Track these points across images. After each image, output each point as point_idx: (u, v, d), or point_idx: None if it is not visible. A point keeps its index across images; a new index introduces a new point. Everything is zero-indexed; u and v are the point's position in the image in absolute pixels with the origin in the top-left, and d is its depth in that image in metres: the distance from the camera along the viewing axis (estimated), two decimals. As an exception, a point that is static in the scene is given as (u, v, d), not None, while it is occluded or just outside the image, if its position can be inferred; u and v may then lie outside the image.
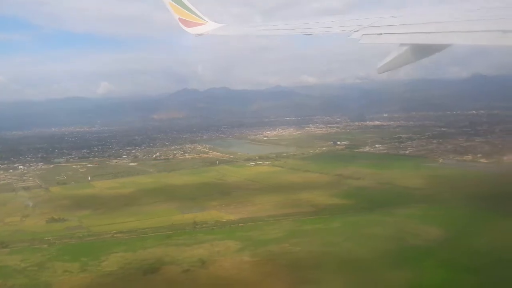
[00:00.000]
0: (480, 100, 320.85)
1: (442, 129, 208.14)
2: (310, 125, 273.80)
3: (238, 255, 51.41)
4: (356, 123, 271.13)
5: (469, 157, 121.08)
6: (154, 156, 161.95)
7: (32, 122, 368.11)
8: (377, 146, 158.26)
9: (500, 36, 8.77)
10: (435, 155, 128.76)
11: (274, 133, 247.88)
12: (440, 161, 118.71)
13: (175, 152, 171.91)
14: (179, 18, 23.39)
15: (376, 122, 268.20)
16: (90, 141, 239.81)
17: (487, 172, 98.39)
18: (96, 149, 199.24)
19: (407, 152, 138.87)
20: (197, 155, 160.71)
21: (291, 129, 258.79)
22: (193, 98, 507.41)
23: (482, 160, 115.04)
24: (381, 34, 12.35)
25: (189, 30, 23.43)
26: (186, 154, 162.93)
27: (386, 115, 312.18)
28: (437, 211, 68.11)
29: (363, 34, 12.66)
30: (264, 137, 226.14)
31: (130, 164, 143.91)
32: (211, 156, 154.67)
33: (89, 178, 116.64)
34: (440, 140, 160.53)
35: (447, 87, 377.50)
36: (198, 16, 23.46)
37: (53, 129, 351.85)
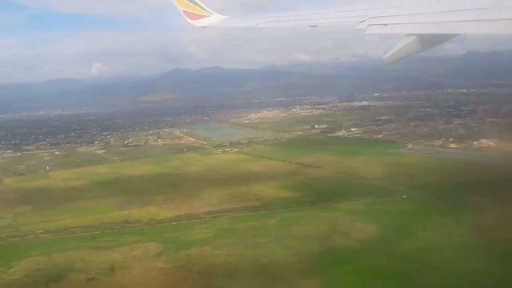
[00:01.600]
0: (473, 78, 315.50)
1: (427, 109, 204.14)
2: (297, 106, 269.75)
3: (152, 260, 48.87)
4: (344, 103, 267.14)
5: (440, 141, 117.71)
6: (126, 142, 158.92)
7: (22, 105, 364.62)
8: (352, 130, 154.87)
9: (508, 25, 8.60)
10: (406, 139, 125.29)
11: (259, 115, 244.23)
12: (409, 146, 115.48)
13: (149, 137, 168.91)
14: (184, 11, 23.36)
15: (364, 103, 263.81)
16: (71, 125, 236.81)
17: (451, 159, 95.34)
18: (73, 134, 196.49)
19: (380, 136, 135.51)
20: (170, 140, 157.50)
21: (277, 111, 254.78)
22: (185, 78, 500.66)
23: (452, 146, 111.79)
24: (387, 24, 12.11)
25: (194, 22, 23.35)
26: (159, 140, 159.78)
27: (377, 94, 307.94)
28: (382, 205, 65.35)
29: (369, 25, 12.49)
30: (247, 120, 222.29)
31: (98, 151, 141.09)
32: (183, 142, 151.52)
33: (48, 168, 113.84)
34: (419, 123, 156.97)
35: (442, 65, 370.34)
36: (203, 8, 23.36)
37: (41, 112, 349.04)
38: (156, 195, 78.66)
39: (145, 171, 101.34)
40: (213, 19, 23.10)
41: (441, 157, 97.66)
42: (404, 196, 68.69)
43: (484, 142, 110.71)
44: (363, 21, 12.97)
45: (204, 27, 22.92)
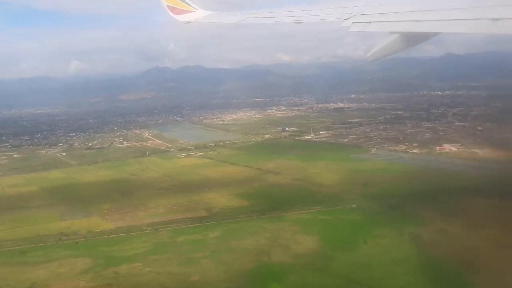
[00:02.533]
0: (449, 80, 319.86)
1: (398, 112, 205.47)
2: (274, 107, 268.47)
3: (77, 278, 46.33)
4: (320, 105, 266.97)
5: (404, 146, 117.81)
6: (90, 144, 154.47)
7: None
8: (321, 133, 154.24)
9: (489, 24, 8.76)
10: (371, 144, 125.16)
11: (234, 116, 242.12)
12: (372, 151, 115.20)
13: (116, 139, 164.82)
14: (168, 6, 22.76)
15: (340, 104, 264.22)
16: (40, 125, 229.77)
17: (410, 165, 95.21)
18: (39, 135, 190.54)
19: (346, 140, 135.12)
20: (136, 143, 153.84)
21: (253, 112, 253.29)
22: (164, 77, 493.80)
23: (415, 151, 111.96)
24: (370, 22, 12.18)
25: (178, 17, 22.96)
26: (124, 142, 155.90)
27: (353, 96, 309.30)
28: (329, 215, 64.18)
29: (353, 22, 12.52)
30: (220, 121, 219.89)
31: (59, 154, 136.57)
32: (149, 144, 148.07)
33: (0, 173, 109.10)
34: (388, 126, 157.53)
35: (420, 66, 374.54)
36: (187, 3, 22.91)
37: (13, 111, 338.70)
38: (103, 203, 75.69)
39: (99, 177, 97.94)
40: (198, 14, 22.67)
41: (400, 163, 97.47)
42: (353, 206, 67.71)
43: (447, 147, 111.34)
44: (348, 18, 12.91)
45: (188, 22, 22.51)
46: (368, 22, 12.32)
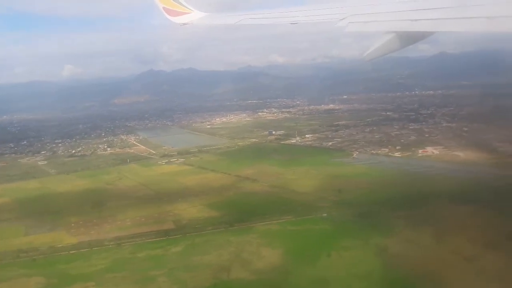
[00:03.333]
0: (442, 79, 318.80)
1: (388, 113, 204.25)
2: (265, 110, 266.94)
3: (25, 300, 44.46)
4: (311, 106, 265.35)
5: (387, 150, 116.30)
6: (73, 151, 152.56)
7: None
8: (307, 136, 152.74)
9: (484, 23, 8.77)
10: (355, 147, 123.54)
11: (224, 119, 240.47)
12: (354, 155, 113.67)
13: (100, 145, 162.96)
14: (164, 8, 22.56)
15: (331, 106, 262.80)
16: (28, 132, 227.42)
17: (389, 170, 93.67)
18: (24, 142, 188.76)
19: (330, 144, 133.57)
20: (120, 149, 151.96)
21: (244, 115, 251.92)
22: (158, 80, 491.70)
23: (397, 154, 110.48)
24: (367, 22, 12.51)
25: (174, 19, 22.84)
26: (108, 149, 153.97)
27: (346, 96, 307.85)
28: (298, 226, 62.62)
29: (349, 22, 12.60)
30: (209, 125, 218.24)
31: (40, 162, 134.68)
32: (132, 151, 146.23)
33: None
34: (374, 128, 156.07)
35: (414, 65, 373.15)
36: (183, 5, 22.73)
37: (4, 116, 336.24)
38: (72, 216, 73.91)
39: (74, 187, 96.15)
40: (193, 16, 22.56)
41: (379, 168, 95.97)
42: (324, 215, 66.13)
43: (429, 150, 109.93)
44: (344, 18, 12.81)
45: (185, 24, 22.40)
46: (364, 22, 12.39)
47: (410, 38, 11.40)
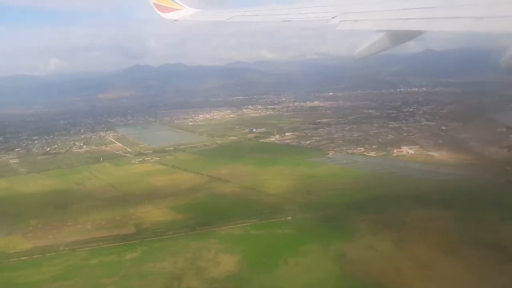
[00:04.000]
0: (427, 76, 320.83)
1: (370, 111, 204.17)
2: (250, 106, 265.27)
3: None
4: (296, 103, 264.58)
5: (362, 149, 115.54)
6: (48, 149, 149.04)
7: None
8: (287, 134, 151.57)
9: (472, 23, 8.88)
10: (332, 146, 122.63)
11: (207, 116, 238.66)
12: (330, 154, 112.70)
13: (77, 143, 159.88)
14: (154, 3, 22.39)
15: (316, 103, 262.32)
16: (6, 128, 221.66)
17: (361, 170, 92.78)
18: (0, 138, 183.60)
19: (308, 142, 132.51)
20: (95, 147, 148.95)
21: (228, 111, 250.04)
22: (145, 75, 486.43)
23: (371, 154, 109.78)
24: (357, 20, 12.38)
25: (165, 15, 22.51)
26: (84, 147, 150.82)
27: (331, 93, 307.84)
28: (261, 230, 61.33)
29: (340, 21, 12.67)
30: (192, 122, 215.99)
31: (12, 161, 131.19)
32: (108, 149, 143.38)
33: None
34: (354, 126, 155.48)
35: (401, 63, 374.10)
36: (174, 1, 22.57)
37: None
38: (32, 219, 71.48)
39: (41, 187, 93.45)
40: (185, 12, 22.37)
41: (353, 168, 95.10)
42: (289, 218, 64.85)
43: (404, 149, 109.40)
44: (335, 16, 12.85)
45: (175, 20, 22.14)
46: (355, 21, 12.26)
47: (400, 37, 11.41)
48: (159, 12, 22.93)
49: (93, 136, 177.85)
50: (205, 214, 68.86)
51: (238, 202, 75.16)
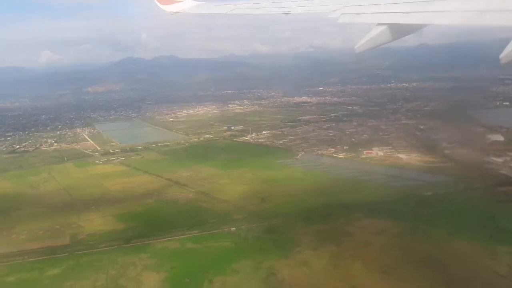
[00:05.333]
0: (419, 71, 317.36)
1: (354, 107, 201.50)
2: (237, 101, 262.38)
3: None
4: (284, 99, 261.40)
5: (332, 150, 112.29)
6: (17, 147, 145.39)
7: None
8: (264, 133, 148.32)
9: (476, 16, 8.92)
10: (304, 146, 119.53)
11: (191, 111, 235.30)
12: (299, 156, 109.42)
13: (49, 140, 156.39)
14: None
15: (303, 98, 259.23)
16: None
17: (325, 174, 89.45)
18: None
19: (281, 142, 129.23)
20: (66, 145, 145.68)
21: (213, 107, 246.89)
22: (137, 68, 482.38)
23: (341, 155, 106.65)
24: (359, 13, 12.43)
25: (165, 7, 22.58)
26: (55, 144, 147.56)
27: (321, 88, 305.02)
28: (199, 243, 58.04)
29: (341, 14, 12.66)
30: (173, 117, 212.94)
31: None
32: (78, 147, 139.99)
33: None
34: (332, 125, 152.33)
35: (394, 57, 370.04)
36: None
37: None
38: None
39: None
40: (185, 4, 22.36)
41: (317, 171, 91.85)
42: (232, 229, 61.62)
43: (374, 151, 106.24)
44: (336, 9, 12.97)
45: (176, 12, 22.13)
46: (356, 14, 12.28)
47: (401, 31, 11.32)
48: (159, 4, 22.92)
49: (69, 133, 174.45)
50: (147, 224, 65.66)
51: (186, 210, 71.90)
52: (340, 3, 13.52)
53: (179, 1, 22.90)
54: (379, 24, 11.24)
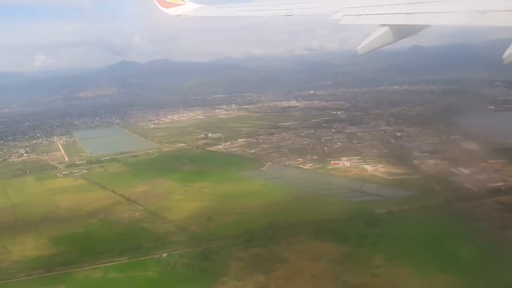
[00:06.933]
0: (412, 73, 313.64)
1: (338, 113, 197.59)
2: (224, 106, 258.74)
3: None
4: (272, 103, 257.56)
5: (300, 160, 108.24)
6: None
7: None
8: (239, 141, 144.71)
9: (477, 17, 9.06)
10: (273, 156, 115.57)
11: (175, 117, 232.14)
12: (265, 167, 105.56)
13: (21, 150, 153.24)
14: None
15: (292, 102, 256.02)
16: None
17: (285, 188, 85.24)
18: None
19: (253, 151, 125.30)
20: (35, 156, 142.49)
21: (199, 112, 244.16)
22: (130, 72, 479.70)
23: (307, 166, 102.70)
24: (361, 15, 12.57)
25: (167, 11, 22.92)
26: (25, 155, 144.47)
27: (312, 92, 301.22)
28: (125, 271, 54.34)
29: (343, 15, 12.84)
30: (154, 124, 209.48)
31: None
32: (46, 158, 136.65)
33: None
34: (311, 132, 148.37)
35: (388, 59, 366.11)
36: None
37: None
38: None
39: None
40: (187, 7, 22.48)
41: (277, 185, 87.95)
42: (164, 255, 57.78)
43: (342, 162, 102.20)
44: (338, 11, 13.08)
45: (178, 15, 22.23)
46: (358, 15, 12.45)
47: (403, 32, 11.33)
48: (162, 8, 22.83)
49: (44, 142, 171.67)
50: (79, 249, 61.98)
51: (126, 232, 68.13)
52: (342, 4, 13.55)
53: (181, 4, 22.81)
54: (381, 26, 11.20)
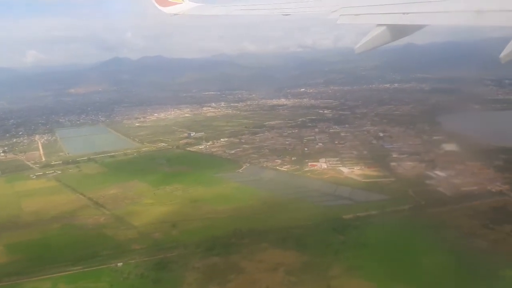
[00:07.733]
0: (403, 71, 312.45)
1: (325, 111, 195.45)
2: (213, 104, 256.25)
3: None
4: (262, 101, 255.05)
5: (279, 161, 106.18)
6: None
7: None
8: (221, 140, 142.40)
9: (474, 16, 9.09)
10: (252, 157, 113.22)
11: (162, 115, 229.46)
12: (242, 168, 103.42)
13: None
14: None
15: (282, 100, 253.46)
16: None
17: (258, 192, 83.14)
18: None
19: (233, 152, 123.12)
20: (12, 155, 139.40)
21: (187, 110, 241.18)
22: (122, 68, 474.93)
23: (284, 168, 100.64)
24: (358, 14, 12.51)
25: (165, 9, 22.73)
26: (2, 154, 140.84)
27: (303, 89, 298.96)
28: (77, 282, 52.09)
29: (340, 15, 12.81)
30: (140, 122, 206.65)
31: None
32: (23, 158, 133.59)
33: None
34: (294, 131, 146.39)
35: (381, 57, 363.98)
36: None
37: None
38: None
39: None
40: (185, 6, 22.49)
41: (251, 188, 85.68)
42: (119, 264, 55.59)
43: (319, 163, 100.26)
44: (335, 10, 13.05)
45: (175, 14, 22.27)
46: (355, 15, 12.45)
47: (401, 31, 11.31)
48: (158, 6, 22.54)
49: (25, 141, 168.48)
50: (34, 257, 59.66)
51: (86, 239, 65.82)
52: (339, 4, 13.41)
53: (178, 3, 22.63)
54: (378, 25, 11.22)
